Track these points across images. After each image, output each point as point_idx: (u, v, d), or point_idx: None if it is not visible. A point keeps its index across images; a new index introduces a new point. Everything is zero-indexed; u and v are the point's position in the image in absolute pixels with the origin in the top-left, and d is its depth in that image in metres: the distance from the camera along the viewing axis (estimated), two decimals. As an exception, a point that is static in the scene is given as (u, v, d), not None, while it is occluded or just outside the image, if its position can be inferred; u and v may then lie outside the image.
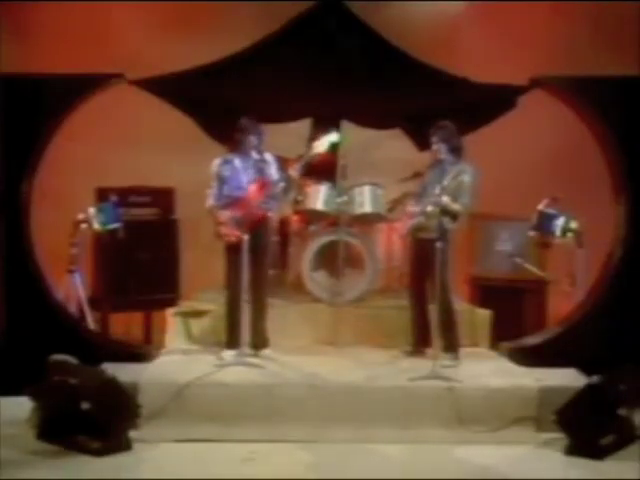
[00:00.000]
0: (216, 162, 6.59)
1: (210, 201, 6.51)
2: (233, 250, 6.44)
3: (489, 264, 8.12)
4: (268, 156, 6.60)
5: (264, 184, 6.48)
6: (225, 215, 6.42)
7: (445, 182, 6.36)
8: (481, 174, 6.50)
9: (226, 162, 6.58)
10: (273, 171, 6.55)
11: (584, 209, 7.23)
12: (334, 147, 6.89)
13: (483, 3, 8.30)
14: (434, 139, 6.52)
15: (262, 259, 6.59)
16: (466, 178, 6.42)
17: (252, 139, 6.50)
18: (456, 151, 6.52)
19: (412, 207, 6.69)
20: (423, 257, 6.51)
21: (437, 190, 6.38)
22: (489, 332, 7.15)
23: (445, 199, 6.35)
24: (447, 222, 6.40)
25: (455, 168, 6.44)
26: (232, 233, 6.40)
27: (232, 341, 6.52)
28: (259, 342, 6.64)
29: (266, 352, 6.63)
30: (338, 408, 5.93)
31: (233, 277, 6.47)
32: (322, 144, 6.58)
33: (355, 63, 6.96)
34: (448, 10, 8.53)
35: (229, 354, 6.48)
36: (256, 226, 6.48)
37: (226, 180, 6.53)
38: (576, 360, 6.39)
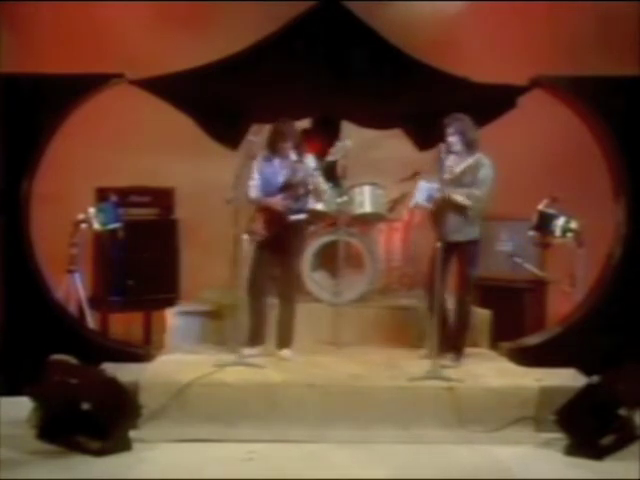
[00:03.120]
0: (259, 157, 6.56)
1: (253, 192, 6.50)
2: (260, 248, 6.53)
3: (489, 264, 8.10)
4: (310, 160, 6.60)
5: (293, 188, 6.48)
6: (257, 214, 6.48)
7: (457, 170, 6.29)
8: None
9: (267, 159, 6.57)
10: (307, 175, 6.51)
11: (584, 209, 7.23)
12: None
13: (483, 3, 8.30)
14: (450, 130, 6.39)
15: (290, 260, 6.64)
16: (487, 172, 6.37)
17: (289, 143, 6.50)
18: (470, 145, 6.42)
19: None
20: (450, 259, 6.40)
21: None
22: (489, 332, 7.15)
23: (477, 191, 6.29)
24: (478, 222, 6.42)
25: (472, 161, 6.36)
26: (261, 232, 6.46)
27: (255, 339, 6.61)
28: (284, 341, 6.65)
29: (285, 352, 6.63)
30: (338, 408, 5.92)
31: (257, 275, 6.54)
32: (338, 151, 6.65)
33: (355, 63, 6.96)
34: (448, 10, 8.54)
35: (250, 352, 6.48)
36: (285, 228, 6.51)
37: (265, 178, 6.54)
38: (576, 360, 6.39)
